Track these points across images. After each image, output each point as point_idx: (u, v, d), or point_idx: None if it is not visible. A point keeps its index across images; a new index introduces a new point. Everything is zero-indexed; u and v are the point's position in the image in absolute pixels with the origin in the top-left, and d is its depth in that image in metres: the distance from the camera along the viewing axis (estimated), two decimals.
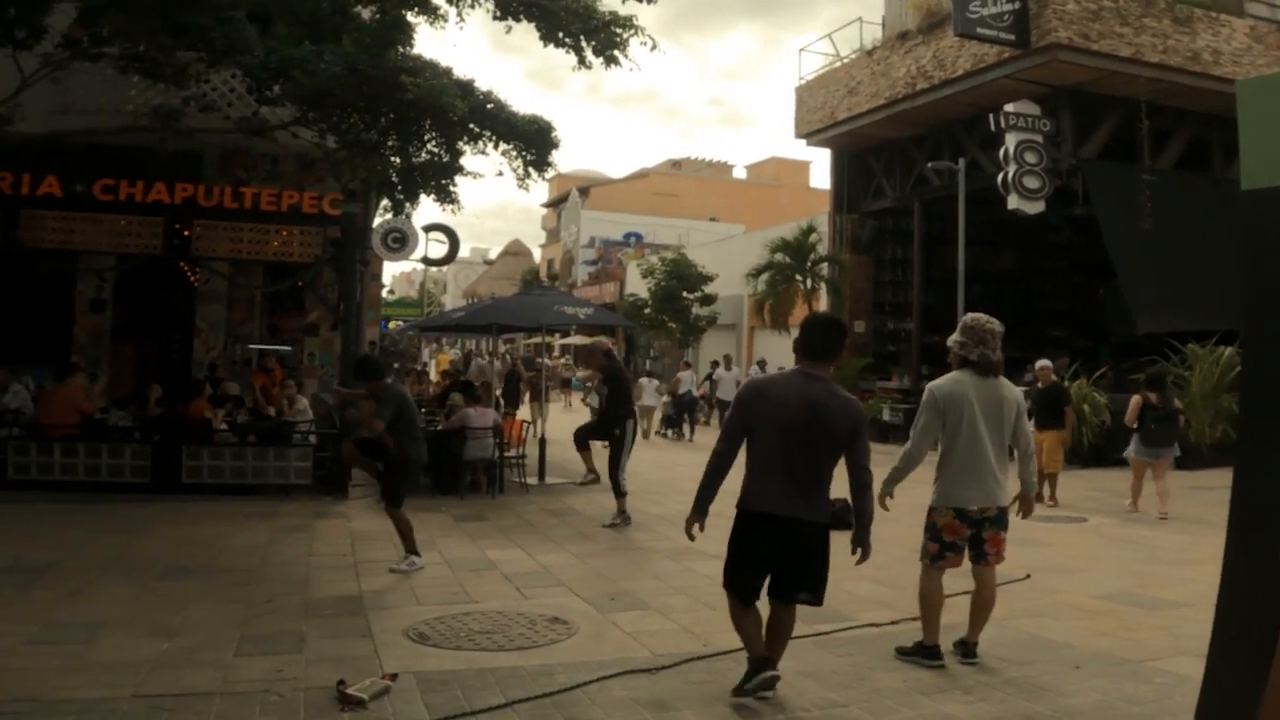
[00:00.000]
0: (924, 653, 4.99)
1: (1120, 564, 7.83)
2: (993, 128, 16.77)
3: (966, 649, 5.07)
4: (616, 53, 10.21)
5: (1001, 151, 16.81)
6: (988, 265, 21.47)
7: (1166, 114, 17.39)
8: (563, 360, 38.15)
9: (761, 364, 21.59)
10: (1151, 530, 9.45)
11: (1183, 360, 15.19)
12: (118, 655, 4.87)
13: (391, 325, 34.00)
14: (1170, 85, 16.51)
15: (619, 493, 9.44)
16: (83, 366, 12.12)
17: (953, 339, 5.23)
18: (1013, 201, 16.82)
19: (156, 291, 14.10)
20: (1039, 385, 11.51)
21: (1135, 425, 10.65)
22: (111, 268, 12.69)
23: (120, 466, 10.52)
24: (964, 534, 5.05)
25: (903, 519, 5.46)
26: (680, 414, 20.57)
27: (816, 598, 4.52)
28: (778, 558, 4.45)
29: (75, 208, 10.79)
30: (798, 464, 4.39)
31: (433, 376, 27.19)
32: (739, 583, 4.53)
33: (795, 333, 17.19)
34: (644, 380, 20.17)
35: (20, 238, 10.82)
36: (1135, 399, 10.82)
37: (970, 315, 5.30)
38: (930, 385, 5.22)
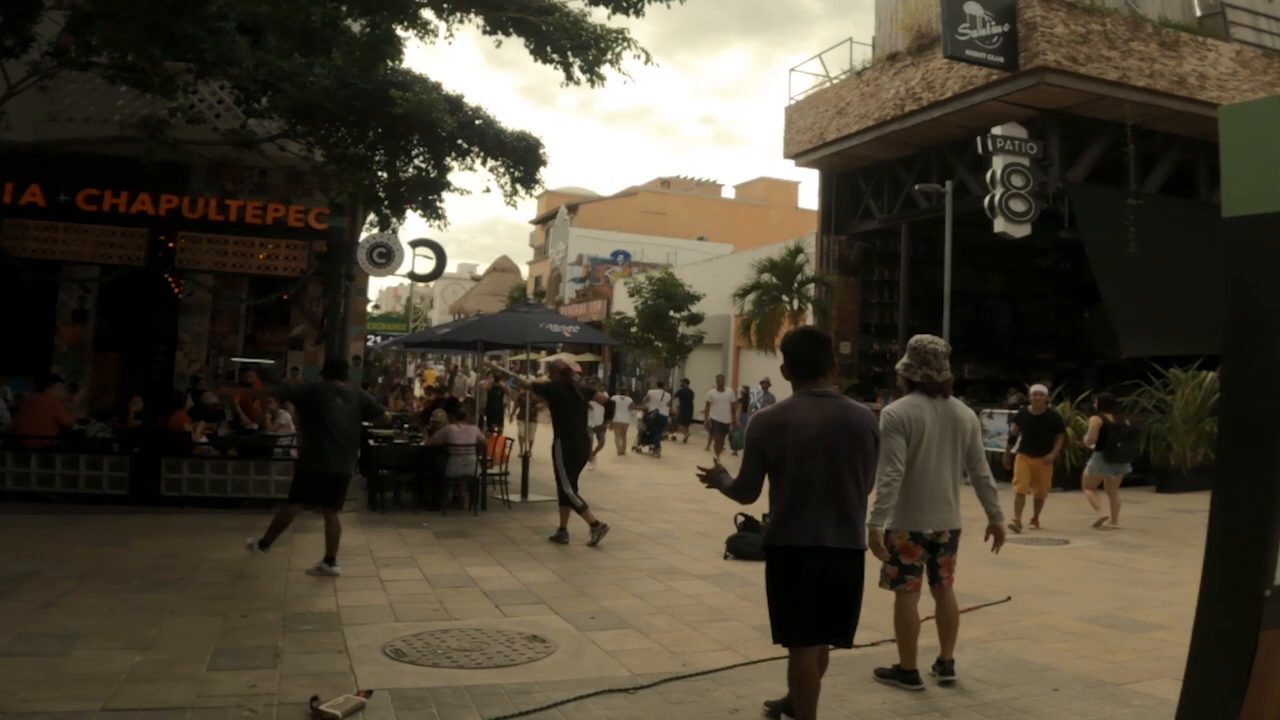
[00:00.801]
0: (903, 676, 4.98)
1: (1102, 586, 7.84)
2: (980, 150, 16.88)
3: (944, 667, 5.07)
4: (606, 68, 10.25)
5: (989, 174, 16.91)
6: (975, 287, 21.59)
7: (1153, 138, 17.56)
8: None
9: (765, 384, 21.27)
10: (1132, 553, 9.47)
11: (1165, 384, 15.29)
12: (91, 668, 4.81)
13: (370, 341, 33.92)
14: (1157, 109, 16.67)
15: (576, 507, 9.27)
16: (62, 377, 12.04)
17: (900, 363, 5.23)
18: (999, 224, 16.91)
19: (140, 303, 14.04)
20: (1030, 410, 11.33)
21: (1097, 445, 11.37)
22: (95, 278, 12.62)
23: (98, 478, 10.42)
24: (920, 555, 5.05)
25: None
26: (652, 431, 20.67)
27: (850, 639, 4.17)
28: (822, 595, 4.04)
29: (59, 217, 10.75)
30: (839, 489, 4.06)
31: (417, 392, 27.12)
32: (797, 632, 4.08)
33: (779, 354, 17.05)
34: (615, 398, 20.27)
35: (2, 246, 10.76)
36: (1095, 420, 11.51)
37: (915, 337, 5.31)
38: (886, 409, 5.15)
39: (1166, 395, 15.15)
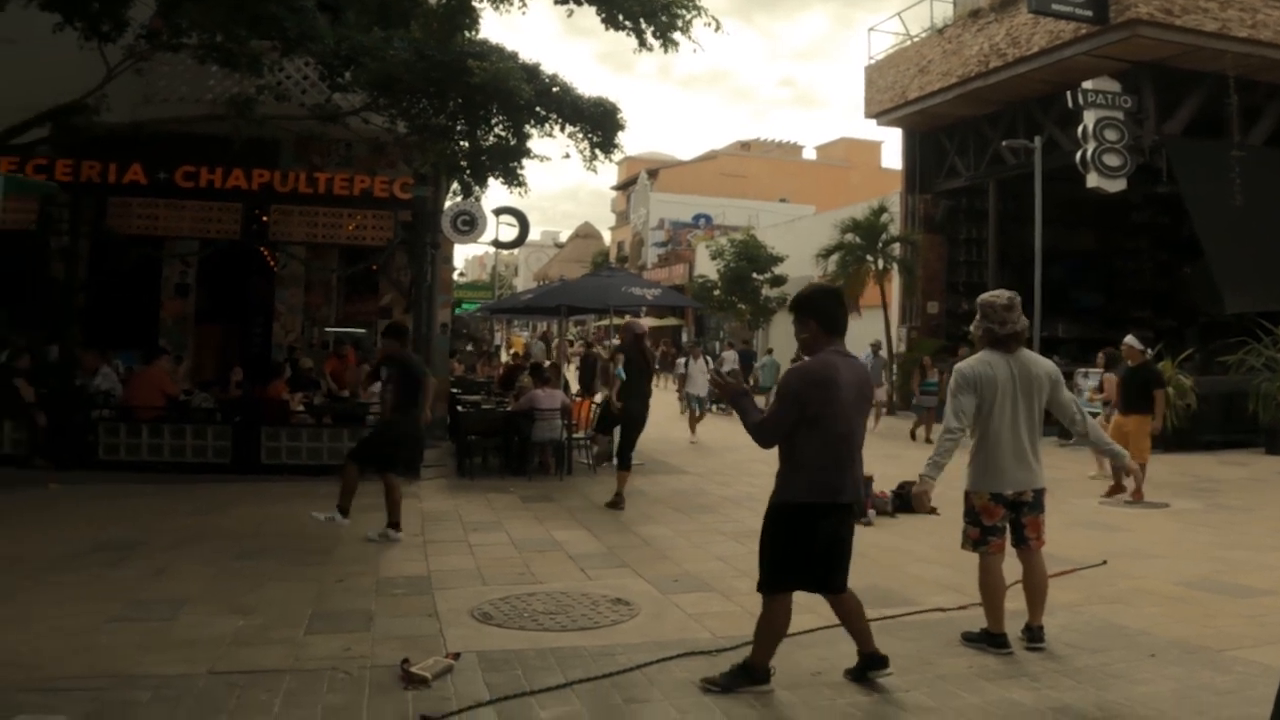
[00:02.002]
0: (990, 640, 4.90)
1: (1202, 550, 7.57)
2: (1070, 105, 16.26)
3: (1032, 634, 4.96)
4: (677, 34, 10.12)
5: (1080, 129, 16.29)
6: (1066, 244, 20.87)
7: (1256, 89, 16.69)
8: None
9: (876, 347, 19.16)
10: (1236, 515, 9.13)
11: (1275, 341, 14.61)
12: (196, 632, 5.04)
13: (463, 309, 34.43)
14: (1260, 60, 15.83)
15: (625, 466, 9.45)
16: (168, 350, 12.54)
17: (974, 322, 5.13)
18: (1092, 179, 16.29)
19: (237, 276, 14.51)
20: (1128, 364, 10.62)
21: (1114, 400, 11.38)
22: (194, 253, 13.08)
23: (203, 447, 10.87)
24: (1002, 516, 4.93)
25: None
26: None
27: (843, 587, 4.44)
28: (829, 548, 4.29)
29: (159, 195, 11.15)
30: (857, 448, 4.32)
31: (503, 359, 27.51)
32: (793, 581, 4.32)
33: (864, 315, 16.86)
34: (686, 361, 20.17)
35: (108, 224, 11.22)
36: (1110, 378, 11.75)
37: (986, 293, 5.19)
38: (957, 366, 5.09)
39: (1276, 353, 14.47)
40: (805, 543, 4.23)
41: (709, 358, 17.58)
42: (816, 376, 4.21)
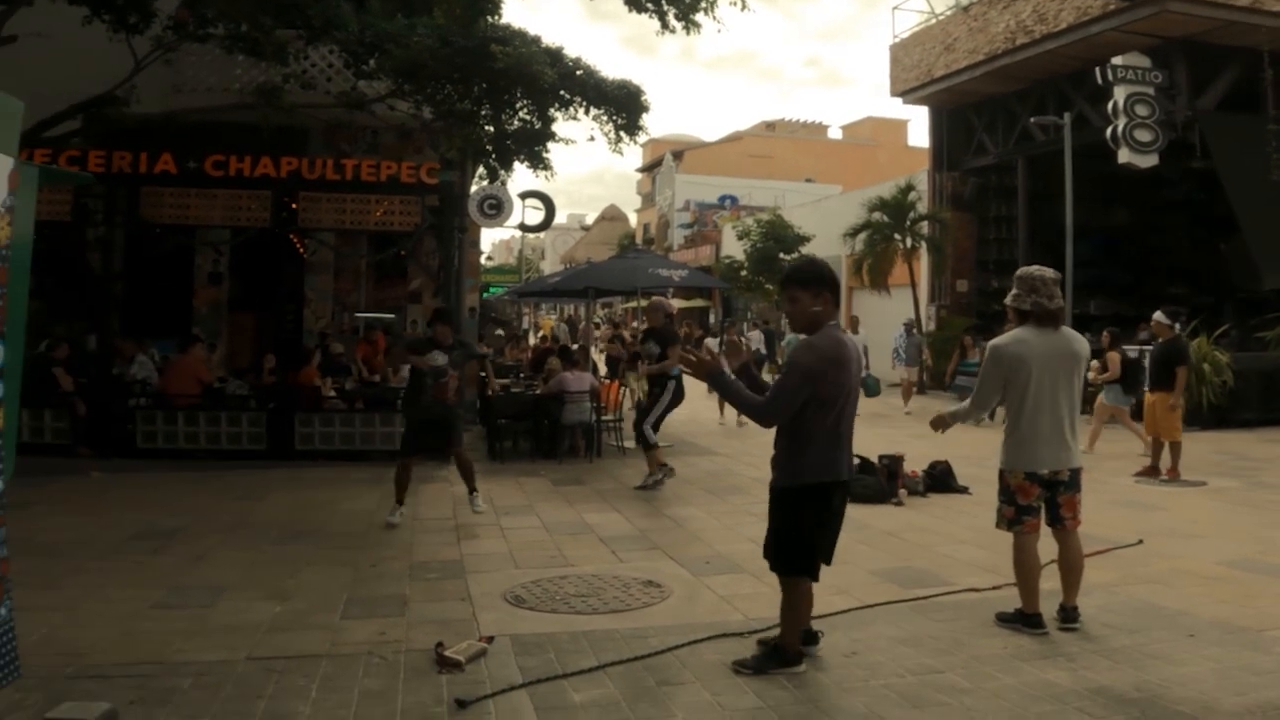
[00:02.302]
0: (1025, 620, 4.87)
1: (1242, 529, 7.47)
2: (1100, 81, 16.02)
3: (1066, 614, 4.92)
4: (700, 15, 10.09)
5: (1110, 105, 16.06)
6: (1098, 221, 20.58)
7: None
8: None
9: (909, 326, 18.69)
10: (1276, 494, 9.00)
11: None
12: (235, 618, 5.12)
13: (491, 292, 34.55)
14: None
15: (648, 445, 9.43)
16: (202, 338, 12.69)
17: (1009, 295, 5.04)
18: (1124, 155, 16.08)
19: (269, 264, 14.64)
20: (1158, 340, 10.37)
21: (1119, 378, 11.78)
22: (226, 241, 13.20)
23: (238, 434, 10.99)
24: (1037, 495, 4.89)
25: None
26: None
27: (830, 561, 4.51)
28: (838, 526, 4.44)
29: (190, 184, 11.25)
30: (850, 425, 4.37)
31: (531, 342, 27.60)
32: (816, 564, 4.35)
33: (893, 294, 16.68)
34: (707, 340, 20.02)
35: (141, 214, 11.35)
36: (1115, 355, 11.85)
37: (1023, 268, 5.11)
38: (992, 343, 5.06)
39: None
40: (824, 522, 4.30)
41: (742, 337, 16.96)
42: (831, 354, 4.18)
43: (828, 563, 4.40)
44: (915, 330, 18.70)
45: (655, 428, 9.58)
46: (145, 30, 9.89)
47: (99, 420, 10.95)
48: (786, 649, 4.33)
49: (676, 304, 24.55)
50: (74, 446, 10.77)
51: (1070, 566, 4.98)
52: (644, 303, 19.40)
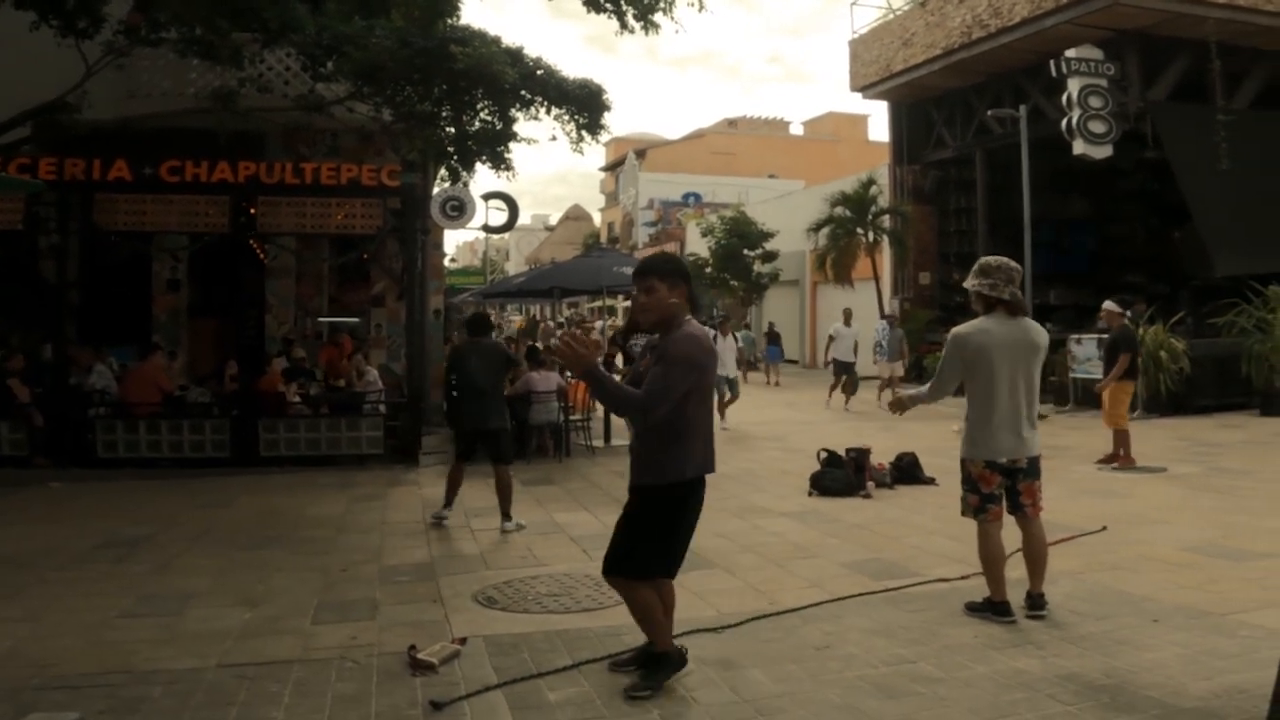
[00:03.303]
0: (994, 608, 4.92)
1: (1203, 515, 7.61)
2: (1054, 74, 16.31)
3: (1033, 601, 4.98)
4: (658, 16, 10.13)
5: (1065, 97, 16.35)
6: (1057, 212, 20.91)
7: (1239, 54, 16.73)
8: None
9: (891, 319, 18.33)
10: (1236, 479, 9.17)
11: (1265, 303, 14.64)
12: (205, 625, 5.05)
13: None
14: (1241, 25, 15.90)
15: None
16: (162, 345, 12.52)
17: (973, 282, 5.06)
18: (1079, 147, 16.37)
19: (228, 269, 14.46)
20: (1110, 328, 10.61)
21: None
22: (184, 247, 13.01)
23: (201, 442, 10.85)
24: (999, 483, 4.95)
25: None
26: None
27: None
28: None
29: (145, 190, 11.08)
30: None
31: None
32: (677, 563, 4.13)
33: (857, 287, 16.80)
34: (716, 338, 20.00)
35: (95, 221, 11.16)
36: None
37: (988, 257, 5.17)
38: (955, 331, 5.11)
39: (1267, 314, 14.51)
40: (686, 522, 4.09)
41: (737, 335, 15.82)
42: (707, 344, 4.10)
43: (674, 573, 4.19)
44: (898, 323, 18.36)
45: None
46: (95, 35, 9.74)
47: (57, 431, 10.77)
48: (666, 653, 4.11)
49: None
50: (31, 458, 10.58)
51: (1034, 554, 5.04)
52: (609, 302, 19.43)
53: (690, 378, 3.96)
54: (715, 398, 3.96)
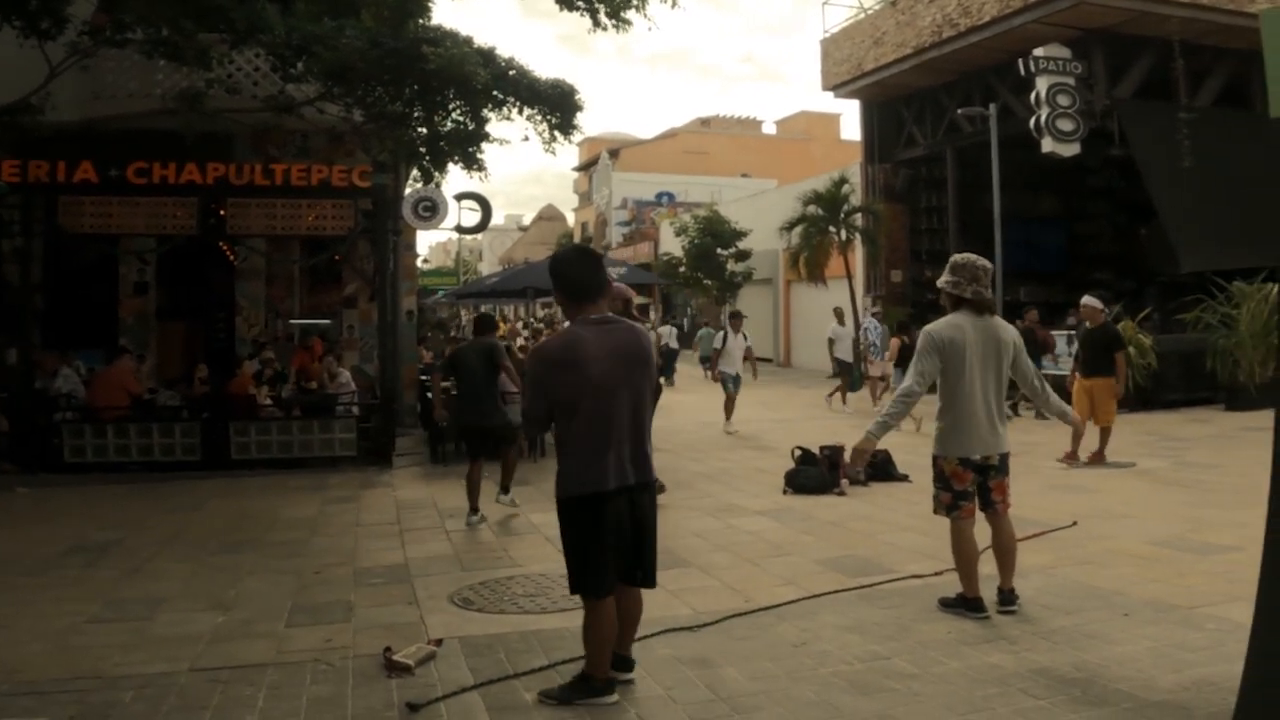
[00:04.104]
0: (967, 604, 4.96)
1: (1171, 509, 7.72)
2: (1023, 72, 16.51)
3: (1004, 596, 5.03)
4: (631, 13, 10.15)
5: (1033, 95, 16.54)
6: (1026, 209, 21.13)
7: (1202, 53, 16.96)
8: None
9: (879, 315, 18.09)
10: (1202, 474, 9.30)
11: (1229, 298, 14.87)
12: (176, 630, 5.00)
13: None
14: (1204, 24, 16.12)
15: None
16: (130, 349, 12.37)
17: (943, 279, 5.11)
18: (1047, 145, 16.55)
19: (197, 271, 14.31)
20: (1086, 325, 10.53)
21: (896, 362, 13.34)
22: (152, 250, 12.88)
23: (171, 445, 10.74)
24: (971, 480, 4.99)
25: None
26: (666, 363, 20.56)
27: (654, 579, 4.10)
28: (631, 534, 3.93)
29: (111, 192, 10.94)
30: (627, 426, 3.89)
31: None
32: (602, 581, 3.88)
33: (830, 285, 16.76)
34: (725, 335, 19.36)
35: (60, 223, 11.01)
36: (895, 340, 13.69)
37: (958, 255, 5.21)
38: (927, 329, 5.14)
39: (1231, 310, 14.73)
40: (596, 537, 3.84)
41: (746, 334, 14.95)
42: (553, 357, 3.84)
43: (631, 580, 3.98)
44: (882, 319, 17.78)
45: None
46: (59, 36, 9.61)
47: (23, 436, 10.62)
48: (593, 677, 3.91)
49: (627, 289, 24.49)
50: None
51: (1004, 550, 5.09)
52: None
53: (539, 395, 3.85)
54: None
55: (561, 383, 3.81)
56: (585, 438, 3.82)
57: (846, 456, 9.09)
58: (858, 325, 19.14)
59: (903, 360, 13.07)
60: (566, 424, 3.85)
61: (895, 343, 13.52)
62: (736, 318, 14.63)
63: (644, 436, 3.97)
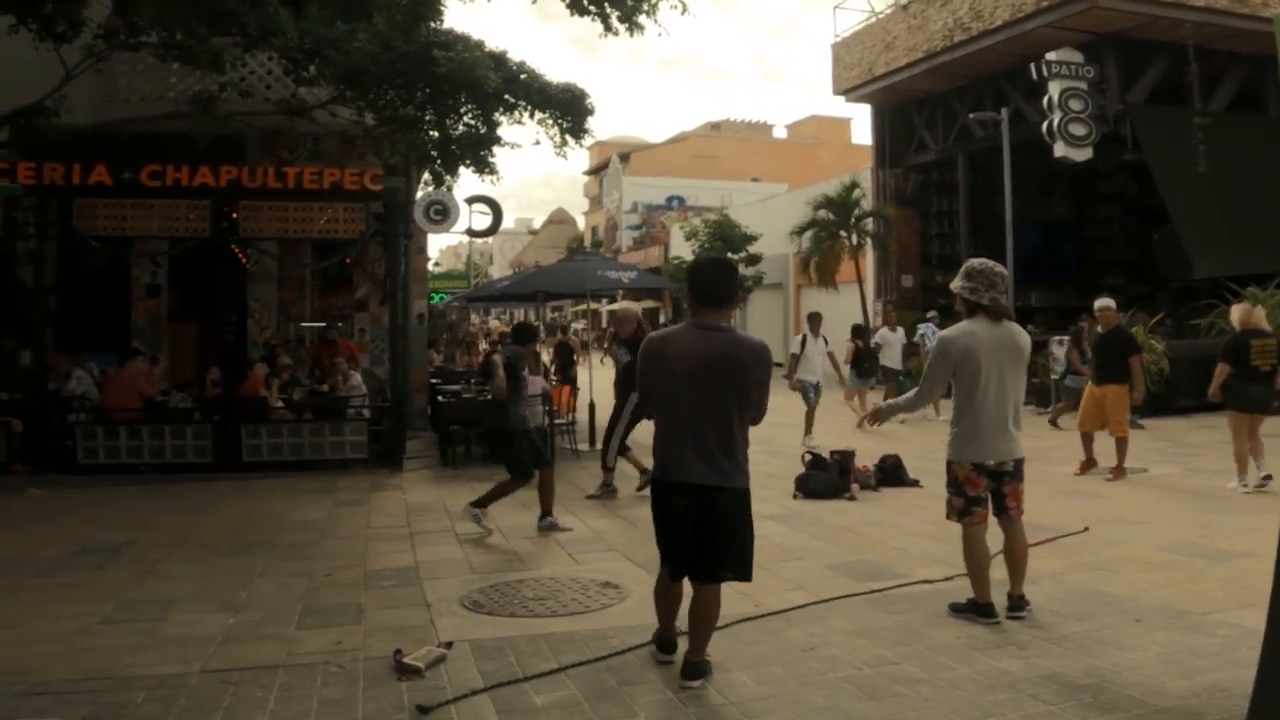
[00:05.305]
0: (978, 610, 4.95)
1: (1182, 515, 7.68)
2: (1035, 76, 16.46)
3: (1014, 602, 5.01)
4: (642, 18, 10.15)
5: (1045, 100, 16.48)
6: (1038, 214, 21.10)
7: (1216, 57, 16.92)
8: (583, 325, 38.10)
9: (935, 319, 17.69)
10: (1214, 479, 9.24)
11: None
12: (187, 631, 5.02)
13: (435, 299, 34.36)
14: (1218, 28, 16.07)
15: (616, 458, 8.99)
16: (143, 351, 12.41)
17: (958, 284, 5.08)
18: (1059, 149, 16.51)
19: (209, 274, 14.37)
20: (1099, 329, 10.08)
21: (852, 364, 14.29)
22: (164, 252, 12.94)
23: (183, 447, 10.77)
24: (985, 486, 4.99)
25: None
26: None
27: (714, 576, 4.27)
28: (693, 530, 4.14)
29: (125, 195, 11.01)
30: (696, 424, 4.09)
31: (482, 346, 27.42)
32: (666, 560, 4.33)
33: (841, 291, 16.62)
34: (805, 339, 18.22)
35: (74, 226, 11.08)
36: (849, 345, 14.31)
37: (974, 260, 5.18)
38: (942, 335, 5.15)
39: None
40: (661, 519, 4.26)
41: (826, 336, 13.67)
42: (648, 348, 4.26)
43: (678, 573, 4.25)
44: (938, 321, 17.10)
45: (625, 436, 9.04)
46: (74, 39, 9.68)
47: (36, 437, 10.68)
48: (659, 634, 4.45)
49: (635, 307, 24.45)
50: (9, 464, 10.48)
51: (1015, 556, 5.08)
52: (594, 305, 19.37)
53: (640, 373, 4.29)
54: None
55: (648, 372, 4.23)
56: (661, 427, 4.20)
57: (857, 461, 9.10)
58: (871, 330, 19.06)
59: (856, 362, 13.80)
60: (656, 413, 4.25)
61: (850, 346, 13.70)
62: (815, 319, 13.39)
63: (725, 442, 4.08)
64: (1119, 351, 9.68)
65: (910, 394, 5.35)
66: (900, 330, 16.24)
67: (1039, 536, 6.66)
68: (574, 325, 30.42)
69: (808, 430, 12.43)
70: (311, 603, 5.57)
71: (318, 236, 12.30)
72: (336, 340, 14.11)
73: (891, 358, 15.80)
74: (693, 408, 4.07)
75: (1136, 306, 16.02)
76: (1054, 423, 13.42)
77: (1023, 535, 5.11)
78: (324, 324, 15.57)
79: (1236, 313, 9.21)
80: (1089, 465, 9.78)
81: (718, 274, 4.35)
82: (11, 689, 4.17)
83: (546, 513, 7.65)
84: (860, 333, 14.39)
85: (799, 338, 13.21)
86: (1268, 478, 8.55)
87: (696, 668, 4.17)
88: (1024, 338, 5.08)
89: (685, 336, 4.15)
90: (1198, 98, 16.34)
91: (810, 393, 12.64)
